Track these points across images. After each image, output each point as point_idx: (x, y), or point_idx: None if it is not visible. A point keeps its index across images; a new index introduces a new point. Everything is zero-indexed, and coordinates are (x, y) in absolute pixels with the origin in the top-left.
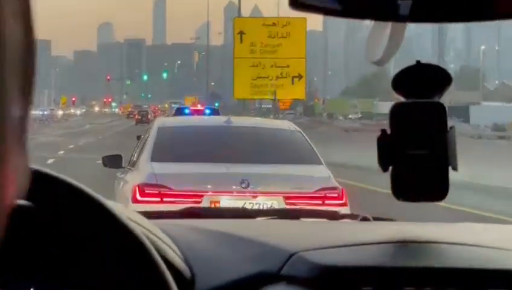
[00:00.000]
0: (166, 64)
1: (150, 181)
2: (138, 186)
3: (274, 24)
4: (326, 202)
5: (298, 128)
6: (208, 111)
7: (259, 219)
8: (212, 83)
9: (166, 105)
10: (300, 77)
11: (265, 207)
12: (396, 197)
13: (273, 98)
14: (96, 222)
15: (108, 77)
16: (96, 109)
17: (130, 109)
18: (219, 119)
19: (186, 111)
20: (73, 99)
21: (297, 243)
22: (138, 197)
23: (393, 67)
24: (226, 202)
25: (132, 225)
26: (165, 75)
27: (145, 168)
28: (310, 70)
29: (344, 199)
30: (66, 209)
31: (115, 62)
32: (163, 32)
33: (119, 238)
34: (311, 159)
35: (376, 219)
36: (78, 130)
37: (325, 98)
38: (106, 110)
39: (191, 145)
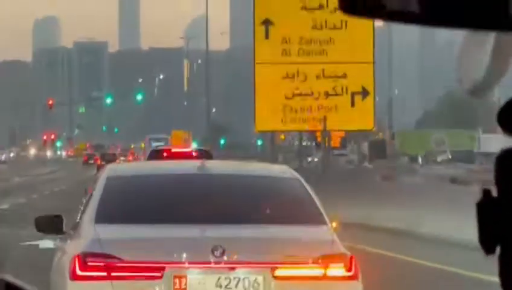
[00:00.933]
0: (141, 80)
1: (93, 250)
2: (78, 257)
3: (321, 7)
4: (329, 274)
5: (296, 175)
6: (194, 154)
7: None
8: (214, 109)
9: (142, 144)
10: (365, 93)
11: (246, 283)
12: None
13: (322, 128)
14: None
15: (50, 102)
16: (32, 151)
17: (86, 151)
18: (191, 165)
19: (165, 154)
20: None
21: None
22: (78, 271)
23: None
24: (194, 276)
25: None
26: (139, 97)
27: (88, 233)
28: None
29: (353, 271)
30: None
31: (60, 78)
32: (135, 33)
33: None
34: (310, 217)
35: None
36: None
37: (392, 130)
38: (48, 153)
39: (149, 201)
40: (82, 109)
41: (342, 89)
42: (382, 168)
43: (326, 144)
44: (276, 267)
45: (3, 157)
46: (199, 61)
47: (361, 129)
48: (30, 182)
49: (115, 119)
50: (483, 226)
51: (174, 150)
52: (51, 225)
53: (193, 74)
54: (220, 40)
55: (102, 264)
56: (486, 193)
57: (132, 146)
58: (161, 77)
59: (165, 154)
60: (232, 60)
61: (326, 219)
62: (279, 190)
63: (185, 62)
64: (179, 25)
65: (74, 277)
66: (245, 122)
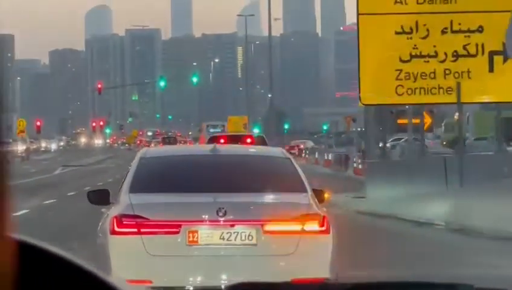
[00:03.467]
0: (195, 64)
1: (127, 212)
2: (116, 217)
3: None
4: (306, 229)
5: (288, 155)
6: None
7: None
8: (270, 95)
9: (199, 130)
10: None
11: (243, 236)
12: None
13: (450, 100)
14: None
15: (100, 85)
16: (83, 140)
17: (141, 138)
18: (205, 148)
19: (222, 141)
20: (38, 124)
21: None
22: (116, 228)
23: None
24: (204, 231)
25: None
26: (195, 79)
27: (124, 200)
28: None
29: (325, 227)
30: None
31: (112, 66)
32: (188, 20)
33: None
34: (295, 186)
35: None
36: (35, 182)
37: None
38: (99, 141)
39: (171, 176)
40: (135, 97)
41: (477, 48)
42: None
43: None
44: (266, 224)
45: (53, 146)
46: (253, 47)
47: (501, 101)
48: (73, 175)
49: (168, 107)
50: None
51: (230, 132)
52: (100, 197)
53: (247, 60)
54: (273, 26)
55: (134, 222)
56: None
57: (190, 133)
58: (216, 60)
59: (221, 140)
60: (285, 46)
61: (307, 188)
62: (272, 166)
63: (238, 48)
64: (231, 11)
65: (113, 232)
66: (297, 108)
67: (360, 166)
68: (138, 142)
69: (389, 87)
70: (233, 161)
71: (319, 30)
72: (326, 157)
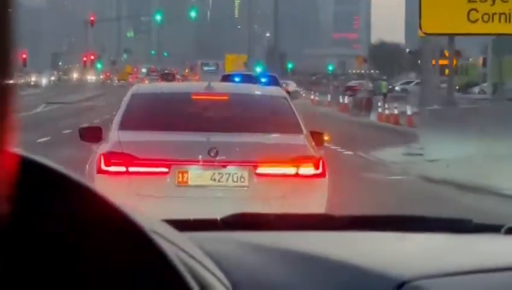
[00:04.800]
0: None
1: (115, 150)
2: (103, 155)
3: None
4: (301, 172)
5: (285, 94)
6: (264, 80)
7: (344, 232)
8: (268, 34)
9: (190, 68)
10: None
11: (235, 177)
12: None
13: None
14: (113, 238)
15: (92, 18)
16: (75, 75)
17: (135, 74)
18: (200, 86)
19: (237, 79)
20: (24, 56)
21: (410, 267)
22: (103, 166)
23: None
24: (194, 172)
25: (161, 244)
26: (193, 13)
27: (113, 137)
28: None
29: (321, 169)
30: (75, 217)
31: (108, 0)
32: None
33: (144, 262)
34: (290, 127)
35: None
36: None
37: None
38: (92, 77)
39: (162, 113)
40: (130, 34)
41: None
42: None
43: None
44: (258, 166)
45: (44, 80)
46: None
47: None
48: (55, 113)
49: (164, 44)
50: None
51: (245, 72)
52: (92, 134)
53: None
54: None
55: (121, 161)
56: None
57: (186, 71)
58: None
59: (236, 78)
60: None
61: (303, 129)
62: (268, 106)
63: None
64: None
65: (100, 171)
66: (297, 50)
67: (386, 111)
68: (131, 79)
69: (459, 12)
70: (227, 100)
71: None
72: (342, 100)
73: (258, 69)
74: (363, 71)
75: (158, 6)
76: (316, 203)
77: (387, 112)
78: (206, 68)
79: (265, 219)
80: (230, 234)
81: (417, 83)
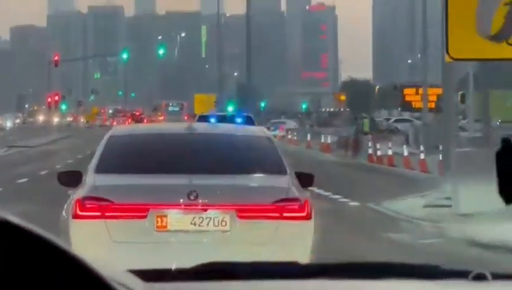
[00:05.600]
0: (160, 37)
1: (91, 194)
2: (78, 200)
3: None
4: (285, 214)
5: (269, 134)
6: (239, 120)
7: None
8: (236, 73)
9: (154, 109)
10: None
11: (216, 221)
12: None
13: None
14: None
15: (56, 57)
16: (41, 117)
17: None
18: (181, 126)
19: (212, 120)
20: None
21: None
22: (78, 211)
23: None
24: (173, 216)
25: None
26: (161, 51)
27: (89, 181)
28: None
29: (306, 212)
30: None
31: (73, 43)
32: None
33: None
34: (274, 168)
35: (496, 276)
36: None
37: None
38: (58, 120)
39: (141, 155)
40: (97, 75)
41: None
42: None
43: None
44: (240, 209)
45: (7, 124)
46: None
47: None
48: (17, 158)
49: (131, 85)
50: (502, 176)
51: (220, 114)
52: (71, 179)
53: (220, 35)
54: (237, 5)
55: (97, 205)
56: (505, 141)
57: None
58: (183, 34)
59: (211, 119)
60: (250, 25)
61: (287, 170)
62: (250, 147)
63: (203, 27)
64: None
65: (75, 216)
66: (268, 87)
67: (378, 152)
68: (99, 121)
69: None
70: (209, 141)
71: (284, 9)
72: (323, 140)
73: (230, 108)
74: (333, 109)
75: (125, 46)
76: (301, 247)
77: (379, 152)
78: (170, 108)
79: (235, 268)
80: (200, 284)
81: (397, 120)
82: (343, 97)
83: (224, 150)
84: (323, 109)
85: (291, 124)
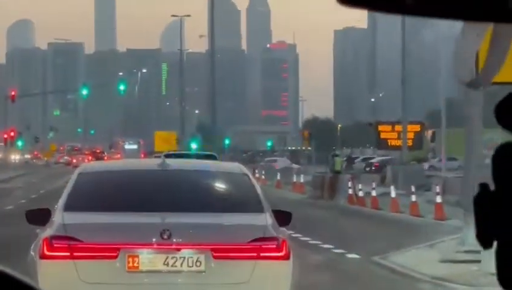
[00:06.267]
0: (121, 73)
1: (59, 233)
2: (46, 239)
3: None
4: (262, 254)
5: (245, 171)
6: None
7: None
8: (197, 111)
9: (109, 146)
10: None
11: (190, 262)
12: (505, 286)
13: None
14: None
15: (13, 92)
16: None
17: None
18: (153, 163)
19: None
20: None
21: None
22: (46, 251)
23: None
24: (145, 256)
25: None
26: (122, 87)
27: (57, 219)
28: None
29: (284, 251)
30: None
31: (33, 78)
32: (111, 34)
33: None
34: (251, 206)
35: None
36: None
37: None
38: (16, 156)
39: (112, 193)
40: (56, 112)
41: None
42: None
43: None
44: (216, 248)
45: None
46: (177, 64)
47: None
48: None
49: (90, 122)
50: (480, 220)
51: (185, 152)
52: (39, 217)
53: (181, 72)
54: (196, 42)
55: (66, 245)
56: (483, 187)
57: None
58: (144, 70)
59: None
60: (209, 63)
61: (265, 208)
62: (227, 184)
63: (164, 65)
64: (156, 26)
65: (43, 256)
66: (229, 124)
67: (359, 193)
68: (59, 158)
69: None
70: (183, 177)
71: (245, 47)
72: (295, 179)
73: (194, 146)
74: (294, 147)
75: (85, 82)
76: (279, 288)
77: (361, 193)
78: (127, 146)
79: None
80: None
81: (365, 159)
82: (306, 134)
83: (199, 187)
84: (288, 148)
85: (285, 161)
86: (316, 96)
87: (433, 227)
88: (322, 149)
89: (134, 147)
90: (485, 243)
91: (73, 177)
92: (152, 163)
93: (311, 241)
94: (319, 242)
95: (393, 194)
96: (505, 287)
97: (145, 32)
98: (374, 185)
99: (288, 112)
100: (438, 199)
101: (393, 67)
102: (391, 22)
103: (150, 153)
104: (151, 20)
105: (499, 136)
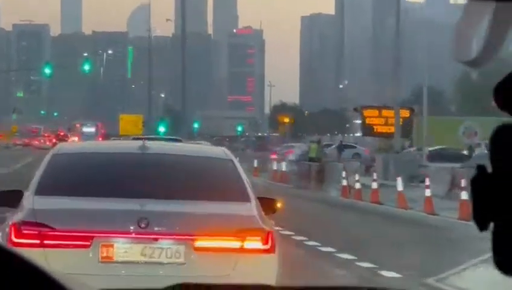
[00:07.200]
0: (86, 54)
1: (28, 219)
2: (14, 225)
3: None
4: (246, 246)
5: (231, 157)
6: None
7: None
8: (162, 94)
9: (68, 129)
10: None
11: (169, 253)
12: (502, 269)
13: None
14: None
15: None
16: None
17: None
18: (133, 145)
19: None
20: None
21: None
22: (13, 238)
23: None
24: (121, 245)
25: None
26: (86, 66)
27: (27, 204)
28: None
29: (270, 244)
30: None
31: None
32: (77, 16)
33: None
34: (236, 194)
35: None
36: None
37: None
38: None
39: (87, 177)
40: (20, 93)
41: None
42: None
43: None
44: (197, 239)
45: None
46: (144, 47)
47: None
48: None
49: (54, 104)
50: (477, 203)
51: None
52: (9, 198)
53: (137, 59)
54: (162, 25)
55: (35, 232)
56: (480, 169)
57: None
58: (109, 52)
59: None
60: (177, 47)
61: (251, 197)
62: (210, 169)
63: (130, 48)
64: (122, 11)
65: (10, 243)
66: (195, 109)
67: (356, 185)
68: (15, 139)
69: None
70: (164, 162)
71: (211, 32)
72: (275, 168)
73: (162, 129)
74: (260, 134)
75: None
76: (263, 282)
77: (358, 185)
78: (85, 129)
79: None
80: None
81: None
82: (287, 119)
83: (181, 173)
84: (255, 134)
85: (302, 147)
86: (283, 83)
87: (465, 231)
88: (291, 136)
89: (92, 130)
90: (481, 226)
91: (47, 158)
92: (132, 145)
93: (322, 249)
94: (332, 249)
95: (399, 188)
96: (502, 269)
97: (111, 16)
98: (375, 176)
99: (253, 97)
100: (463, 196)
101: (361, 54)
102: (359, 8)
103: (113, 136)
104: (118, 4)
105: (476, 124)
